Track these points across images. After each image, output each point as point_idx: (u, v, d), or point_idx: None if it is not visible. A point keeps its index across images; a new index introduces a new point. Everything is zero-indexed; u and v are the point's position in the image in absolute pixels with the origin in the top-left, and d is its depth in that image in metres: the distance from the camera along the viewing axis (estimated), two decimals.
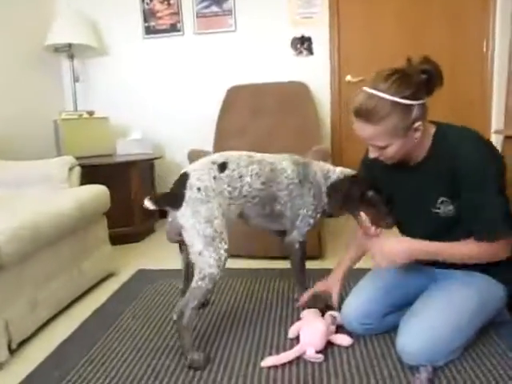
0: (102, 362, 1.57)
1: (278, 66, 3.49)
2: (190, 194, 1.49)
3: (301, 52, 3.47)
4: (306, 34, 3.45)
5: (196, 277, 1.49)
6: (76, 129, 3.25)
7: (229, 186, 1.57)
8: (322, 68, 3.46)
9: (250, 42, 3.52)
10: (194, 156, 2.85)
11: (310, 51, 3.46)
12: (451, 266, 1.48)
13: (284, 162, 1.74)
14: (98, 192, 2.34)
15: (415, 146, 1.39)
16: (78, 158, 2.71)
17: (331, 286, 1.75)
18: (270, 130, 3.24)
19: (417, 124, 1.31)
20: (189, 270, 1.75)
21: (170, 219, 1.58)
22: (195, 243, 1.48)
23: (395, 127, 1.29)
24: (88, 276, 2.24)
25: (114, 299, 2.14)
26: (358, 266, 1.81)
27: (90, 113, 3.43)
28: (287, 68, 3.47)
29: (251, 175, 1.63)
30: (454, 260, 1.41)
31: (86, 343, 1.72)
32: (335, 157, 3.52)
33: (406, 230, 1.60)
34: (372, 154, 1.43)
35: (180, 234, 1.54)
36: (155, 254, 2.86)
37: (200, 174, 1.53)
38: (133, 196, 3.07)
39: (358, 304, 1.61)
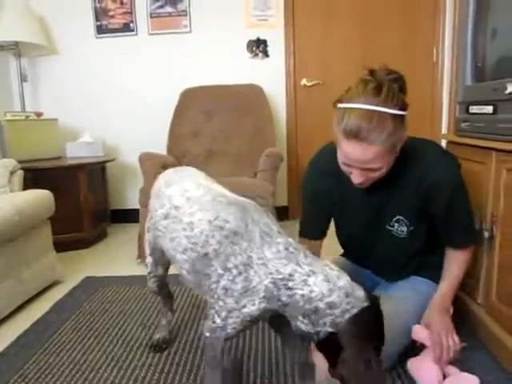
0: (35, 378, 1.49)
1: (233, 69, 3.46)
2: None
3: (256, 54, 3.46)
4: (262, 37, 3.43)
5: None
6: (22, 130, 3.11)
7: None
8: (278, 71, 3.45)
9: (206, 44, 3.48)
10: (145, 159, 2.78)
11: (266, 54, 3.45)
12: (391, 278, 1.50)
13: None
14: (40, 196, 2.24)
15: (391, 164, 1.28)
16: (24, 162, 2.61)
17: None
18: (225, 132, 3.21)
19: (405, 135, 1.23)
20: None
21: None
22: None
23: (395, 143, 1.19)
24: (29, 285, 2.13)
25: (56, 309, 2.04)
26: None
27: (38, 114, 3.30)
28: (243, 70, 3.44)
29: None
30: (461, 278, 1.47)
31: (21, 357, 1.62)
32: (290, 159, 3.53)
33: (357, 245, 1.57)
34: (357, 180, 1.26)
35: None
36: (105, 261, 2.77)
37: None
38: (82, 200, 2.97)
39: None
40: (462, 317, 1.62)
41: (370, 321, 1.01)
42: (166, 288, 1.65)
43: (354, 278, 1.27)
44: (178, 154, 3.16)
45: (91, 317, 1.95)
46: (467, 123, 1.75)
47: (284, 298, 1.02)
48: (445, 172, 1.32)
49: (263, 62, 3.46)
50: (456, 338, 1.36)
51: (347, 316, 0.98)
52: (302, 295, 1.00)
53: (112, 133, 3.60)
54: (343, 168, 1.29)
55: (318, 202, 1.53)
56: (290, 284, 1.01)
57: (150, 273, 1.54)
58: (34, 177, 2.73)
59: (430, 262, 1.53)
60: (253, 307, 1.05)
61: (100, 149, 3.35)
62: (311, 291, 1.00)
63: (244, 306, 1.05)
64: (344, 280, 1.02)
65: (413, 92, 3.57)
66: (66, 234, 2.86)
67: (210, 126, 3.24)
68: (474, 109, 1.69)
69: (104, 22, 3.52)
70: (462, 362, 1.40)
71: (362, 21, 3.37)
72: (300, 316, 1.02)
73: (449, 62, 3.18)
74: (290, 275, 1.01)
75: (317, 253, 1.58)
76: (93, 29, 3.53)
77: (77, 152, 3.30)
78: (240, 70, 3.44)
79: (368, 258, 1.59)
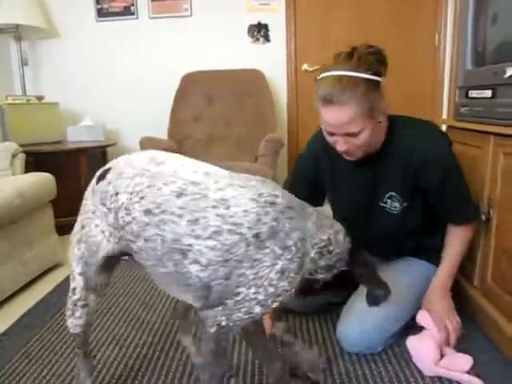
0: (38, 356, 1.52)
1: (234, 53, 3.44)
2: None
3: (257, 39, 3.44)
4: (263, 21, 3.41)
5: None
6: (24, 114, 3.11)
7: None
8: (279, 56, 3.43)
9: (206, 28, 3.45)
10: (146, 144, 2.80)
11: (267, 38, 3.43)
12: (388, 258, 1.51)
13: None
14: (41, 179, 2.26)
15: (376, 134, 1.33)
16: (25, 145, 2.62)
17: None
18: (226, 117, 3.21)
19: (383, 103, 1.27)
20: None
21: None
22: None
23: (370, 106, 1.23)
24: (32, 266, 2.16)
25: (57, 290, 2.07)
26: None
27: (39, 98, 3.30)
28: (244, 55, 3.42)
29: None
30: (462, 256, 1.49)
31: (24, 336, 1.66)
32: (290, 145, 3.53)
33: (352, 225, 1.59)
34: (341, 147, 1.31)
35: None
36: None
37: None
38: (83, 184, 2.98)
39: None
40: (459, 299, 1.64)
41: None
42: (89, 332, 1.25)
43: None
44: (179, 138, 3.17)
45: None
46: (466, 108, 1.75)
47: (322, 263, 1.02)
48: (433, 148, 1.34)
49: (264, 46, 3.45)
50: (458, 319, 1.40)
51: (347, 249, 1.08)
52: (337, 253, 1.04)
53: (113, 117, 3.60)
54: (328, 140, 1.34)
55: (304, 182, 1.59)
56: (331, 248, 1.02)
57: (77, 301, 1.14)
58: (35, 160, 2.74)
59: (429, 243, 1.55)
60: (296, 286, 0.99)
61: (101, 133, 3.35)
62: (338, 246, 1.04)
63: (294, 287, 0.98)
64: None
65: (414, 77, 3.59)
66: (67, 217, 2.86)
67: (211, 110, 3.24)
68: (473, 93, 1.69)
69: (105, 6, 3.50)
70: (458, 343, 1.43)
71: (363, 6, 3.34)
72: (319, 271, 1.04)
73: (450, 47, 3.17)
74: (329, 239, 1.02)
75: None
76: (93, 12, 3.50)
77: (78, 136, 3.31)
78: (241, 55, 3.42)
79: (364, 238, 1.61)
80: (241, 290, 0.95)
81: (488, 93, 1.56)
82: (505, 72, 1.40)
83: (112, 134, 3.58)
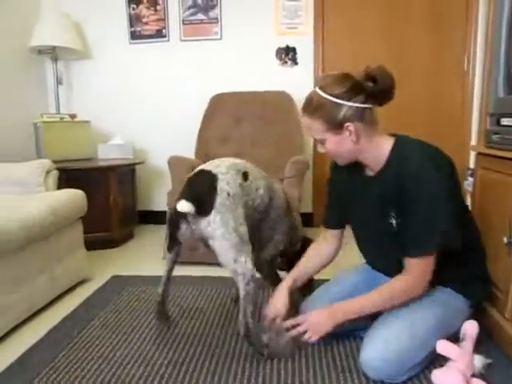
0: (66, 371, 1.54)
1: (262, 75, 3.51)
2: (220, 199, 1.45)
3: (285, 62, 3.49)
4: (291, 45, 3.47)
5: (241, 284, 1.48)
6: (57, 132, 3.22)
7: (247, 195, 1.59)
8: (306, 78, 3.48)
9: (235, 51, 3.53)
10: (174, 163, 2.84)
11: (295, 61, 3.49)
12: None
13: (276, 185, 1.86)
14: (73, 196, 2.32)
15: (363, 151, 1.43)
16: (57, 162, 2.70)
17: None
18: (253, 138, 3.25)
19: (347, 124, 1.36)
20: (171, 273, 1.75)
21: (187, 225, 1.51)
22: (227, 252, 1.46)
23: (326, 121, 1.37)
24: (61, 281, 2.21)
25: (85, 306, 2.11)
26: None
27: (72, 116, 3.41)
28: (271, 77, 3.48)
29: (264, 189, 1.69)
30: (380, 307, 1.45)
31: (52, 351, 1.69)
32: (315, 167, 3.54)
33: (363, 242, 1.67)
34: (320, 149, 1.48)
35: (202, 240, 1.53)
36: (132, 260, 2.84)
37: (228, 179, 1.52)
38: (111, 201, 3.05)
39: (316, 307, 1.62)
40: (488, 330, 1.61)
41: None
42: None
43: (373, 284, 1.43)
44: (206, 158, 3.19)
45: (118, 314, 2.00)
46: (498, 135, 1.73)
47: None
48: (418, 166, 1.34)
49: (292, 69, 3.50)
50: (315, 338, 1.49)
51: None
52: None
53: (142, 136, 3.69)
54: None
55: (332, 192, 1.71)
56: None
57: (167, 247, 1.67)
58: (66, 177, 2.81)
59: (451, 272, 1.50)
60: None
61: (130, 151, 3.43)
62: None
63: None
64: None
65: (442, 101, 3.57)
66: (95, 233, 2.93)
67: (238, 131, 3.28)
68: (505, 121, 1.68)
69: (138, 28, 3.62)
70: (486, 376, 1.39)
71: (391, 30, 3.37)
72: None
73: (480, 71, 3.15)
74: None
75: (334, 242, 1.73)
76: (127, 34, 3.63)
77: (108, 154, 3.39)
78: (269, 77, 3.48)
79: (378, 260, 1.65)
80: (275, 237, 1.87)
81: None
82: None
83: (141, 152, 3.66)
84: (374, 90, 1.36)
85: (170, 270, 1.75)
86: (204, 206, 1.44)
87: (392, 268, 1.48)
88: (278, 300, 1.64)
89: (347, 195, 1.62)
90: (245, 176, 1.61)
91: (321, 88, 1.38)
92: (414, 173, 1.33)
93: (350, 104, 1.35)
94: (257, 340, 1.56)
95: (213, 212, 1.43)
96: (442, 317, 1.44)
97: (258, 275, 1.54)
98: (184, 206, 1.41)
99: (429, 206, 1.32)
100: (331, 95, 1.35)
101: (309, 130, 1.45)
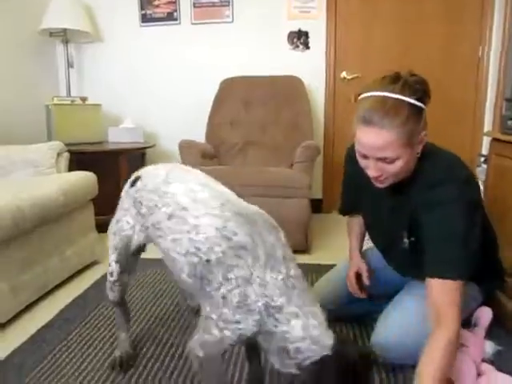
0: (78, 348, 1.57)
1: (273, 59, 3.47)
2: None
3: (297, 46, 3.45)
4: (303, 29, 3.43)
5: None
6: (68, 115, 3.22)
7: None
8: (318, 63, 3.44)
9: (247, 34, 3.50)
10: (185, 147, 2.84)
11: (307, 46, 3.45)
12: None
13: None
14: (85, 178, 2.33)
15: (410, 164, 1.24)
16: (68, 145, 2.70)
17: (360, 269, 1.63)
18: (263, 123, 3.23)
19: (423, 133, 1.20)
20: None
21: None
22: None
23: (410, 134, 1.15)
24: (71, 262, 2.23)
25: (95, 287, 2.13)
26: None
27: (83, 99, 3.41)
28: (283, 61, 3.45)
29: None
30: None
31: (65, 329, 1.72)
32: (326, 153, 3.53)
33: (375, 242, 1.62)
34: (374, 173, 1.23)
35: None
36: None
37: None
38: (122, 184, 3.04)
39: (326, 291, 1.66)
40: (499, 318, 1.60)
41: (327, 368, 1.00)
42: (124, 297, 1.52)
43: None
44: (216, 142, 3.21)
45: (129, 296, 2.01)
46: None
47: (269, 327, 1.02)
48: (443, 188, 1.21)
49: (304, 53, 3.46)
50: None
51: (307, 362, 1.00)
52: (282, 331, 1.01)
53: (152, 120, 3.69)
54: (361, 163, 1.26)
55: (348, 182, 1.61)
56: (277, 316, 1.01)
57: (115, 281, 1.43)
58: (77, 160, 2.82)
59: None
60: (246, 326, 1.03)
61: (140, 135, 3.43)
62: (288, 332, 1.01)
63: (238, 322, 1.03)
64: (319, 330, 1.02)
65: (456, 88, 3.52)
66: (106, 215, 2.93)
67: (248, 115, 3.26)
68: None
69: (148, 11, 3.59)
70: (495, 362, 1.39)
71: (404, 14, 3.30)
72: (274, 352, 1.04)
73: (494, 58, 3.10)
74: (280, 308, 1.01)
75: (354, 228, 1.68)
76: (137, 17, 3.61)
77: (118, 137, 3.39)
78: (280, 61, 3.45)
79: (385, 256, 1.60)
80: (204, 304, 1.11)
81: None
82: None
83: (151, 136, 3.66)
84: (424, 93, 1.18)
85: None
86: None
87: (401, 268, 1.48)
88: (357, 261, 1.63)
89: (359, 191, 1.51)
90: None
91: (401, 92, 1.14)
92: (432, 199, 1.21)
93: (423, 106, 1.17)
94: None
95: None
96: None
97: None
98: None
99: (459, 223, 1.18)
100: (416, 99, 1.15)
101: (382, 150, 1.15)
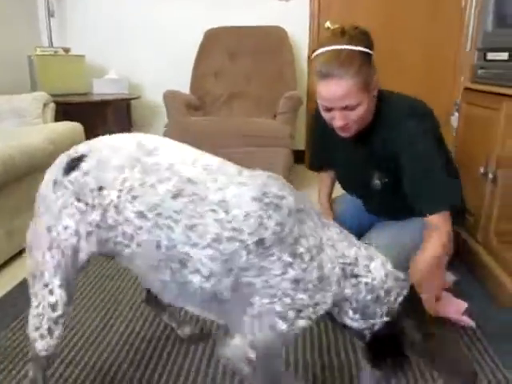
0: None
1: (257, 10, 3.44)
2: None
3: None
4: None
5: None
6: (51, 65, 3.21)
7: None
8: (302, 13, 3.43)
9: None
10: (169, 97, 2.88)
11: None
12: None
13: None
14: (71, 128, 2.38)
15: (370, 108, 1.32)
16: (53, 95, 2.72)
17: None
18: (247, 73, 3.26)
19: (375, 77, 1.28)
20: None
21: None
22: None
23: (366, 79, 1.23)
24: None
25: None
26: None
27: (66, 50, 3.38)
28: (266, 12, 3.42)
29: None
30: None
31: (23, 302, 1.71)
32: (309, 104, 3.57)
33: (348, 189, 1.67)
34: (339, 122, 1.29)
35: None
36: None
37: None
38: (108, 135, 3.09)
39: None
40: (460, 253, 1.74)
41: (417, 298, 0.94)
42: None
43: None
44: (201, 93, 3.24)
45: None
46: (484, 70, 1.78)
47: (347, 291, 0.88)
48: (404, 132, 1.30)
49: (287, 3, 3.44)
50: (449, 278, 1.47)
51: (400, 299, 0.90)
52: (366, 283, 0.88)
53: (137, 71, 3.67)
54: (325, 116, 1.33)
55: (318, 140, 1.65)
56: (356, 270, 0.88)
57: (59, 318, 0.96)
58: (63, 111, 2.85)
59: None
60: (325, 306, 0.86)
61: (125, 86, 3.44)
62: (373, 278, 0.89)
63: (317, 304, 0.86)
64: (390, 262, 0.94)
65: (438, 40, 3.53)
66: None
67: (232, 67, 3.28)
68: (491, 55, 1.72)
69: None
70: (455, 294, 1.52)
71: None
72: (351, 311, 0.90)
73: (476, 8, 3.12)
74: (355, 260, 0.89)
75: (326, 184, 1.74)
76: None
77: (103, 89, 3.40)
78: (264, 11, 3.42)
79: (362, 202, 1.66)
80: (253, 299, 0.85)
81: (505, 55, 1.60)
82: None
83: (136, 87, 3.66)
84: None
85: None
86: None
87: (378, 211, 1.56)
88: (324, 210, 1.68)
89: (329, 148, 1.58)
90: None
91: (352, 43, 1.21)
92: (402, 138, 1.30)
93: (371, 52, 1.25)
94: None
95: None
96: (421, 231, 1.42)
97: None
98: None
99: (424, 161, 1.29)
100: (365, 47, 1.23)
101: (344, 98, 1.23)
